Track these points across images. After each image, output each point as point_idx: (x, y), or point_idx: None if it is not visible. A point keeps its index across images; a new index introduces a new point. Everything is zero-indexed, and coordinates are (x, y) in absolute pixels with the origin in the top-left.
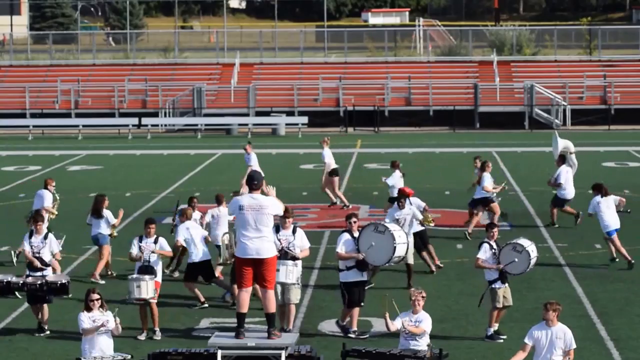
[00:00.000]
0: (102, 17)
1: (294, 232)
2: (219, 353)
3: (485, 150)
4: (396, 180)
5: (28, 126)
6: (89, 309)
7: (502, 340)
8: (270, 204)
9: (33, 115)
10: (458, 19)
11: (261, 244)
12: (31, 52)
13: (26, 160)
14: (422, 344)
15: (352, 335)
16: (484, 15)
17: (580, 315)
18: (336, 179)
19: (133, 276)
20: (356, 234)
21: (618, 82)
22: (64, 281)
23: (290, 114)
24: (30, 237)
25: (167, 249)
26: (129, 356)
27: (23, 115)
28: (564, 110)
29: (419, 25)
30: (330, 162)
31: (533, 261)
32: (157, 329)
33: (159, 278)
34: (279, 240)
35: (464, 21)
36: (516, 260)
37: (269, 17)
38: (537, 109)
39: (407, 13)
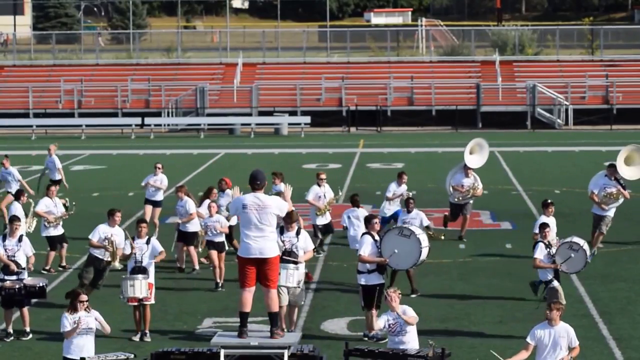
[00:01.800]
0: (105, 17)
1: (297, 233)
2: (222, 352)
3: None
4: (164, 182)
5: (31, 126)
6: (74, 309)
7: None
8: (274, 204)
9: (36, 115)
10: (460, 19)
11: (264, 243)
12: (34, 52)
13: (29, 160)
14: (412, 339)
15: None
16: (486, 15)
17: (582, 315)
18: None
19: (126, 276)
20: (376, 236)
21: (620, 82)
22: (41, 284)
23: (292, 113)
24: (4, 240)
25: (159, 250)
26: (132, 355)
27: (26, 115)
28: (566, 110)
29: (422, 25)
30: (55, 171)
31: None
32: (147, 331)
33: (151, 279)
34: (283, 241)
35: (466, 21)
36: (573, 257)
37: (272, 17)
38: (539, 109)
39: (409, 13)
